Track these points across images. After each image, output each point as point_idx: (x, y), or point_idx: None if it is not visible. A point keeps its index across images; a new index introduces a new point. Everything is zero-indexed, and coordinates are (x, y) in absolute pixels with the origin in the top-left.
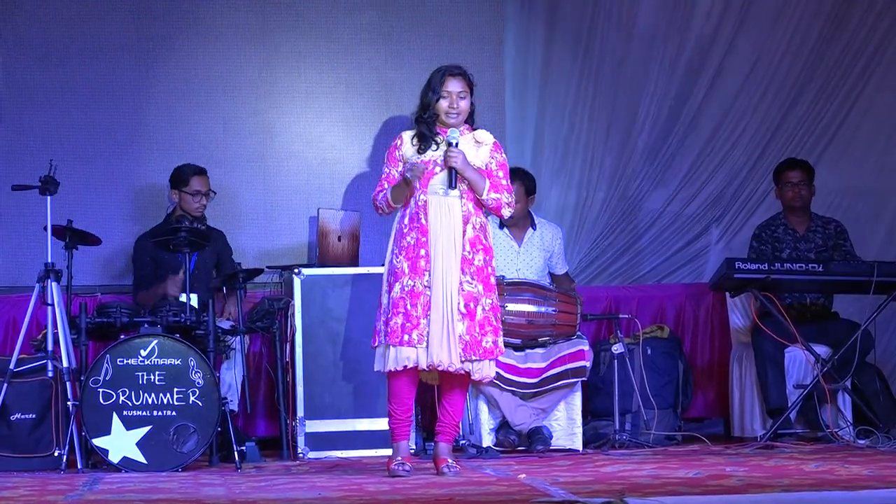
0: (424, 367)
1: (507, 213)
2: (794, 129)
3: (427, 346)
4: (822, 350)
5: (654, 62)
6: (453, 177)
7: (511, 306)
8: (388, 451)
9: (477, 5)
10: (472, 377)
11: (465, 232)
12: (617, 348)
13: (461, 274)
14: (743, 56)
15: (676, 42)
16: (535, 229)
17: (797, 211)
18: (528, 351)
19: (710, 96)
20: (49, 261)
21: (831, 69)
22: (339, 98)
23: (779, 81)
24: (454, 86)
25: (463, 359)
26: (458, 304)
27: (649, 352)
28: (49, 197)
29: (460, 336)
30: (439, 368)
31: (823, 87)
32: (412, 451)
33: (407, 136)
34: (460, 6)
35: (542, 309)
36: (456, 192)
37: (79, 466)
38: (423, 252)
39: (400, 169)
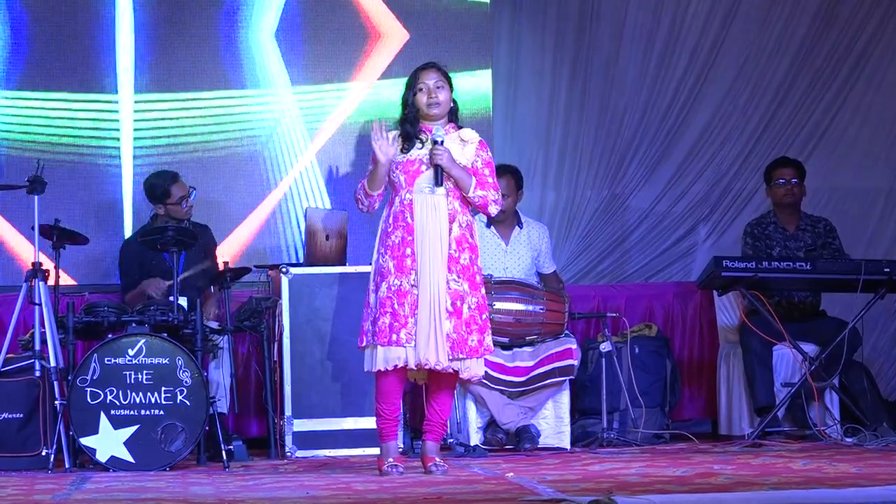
0: (413, 366)
1: (493, 210)
2: (782, 128)
3: (415, 345)
4: (809, 348)
5: (643, 61)
6: (439, 175)
7: (499, 305)
8: (376, 450)
9: (466, 4)
10: (461, 376)
11: (451, 230)
12: (605, 347)
13: (447, 272)
14: (731, 55)
15: (665, 40)
16: (521, 228)
17: (787, 209)
18: (515, 349)
19: (699, 95)
20: (36, 260)
21: (819, 68)
22: (326, 97)
23: (767, 80)
24: (429, 77)
25: (451, 357)
26: (445, 302)
27: (637, 350)
28: (37, 196)
29: (447, 334)
30: (427, 367)
31: (812, 86)
32: (400, 450)
33: (392, 136)
34: (449, 4)
35: (530, 307)
36: (442, 191)
37: (66, 466)
38: (408, 251)
39: None
